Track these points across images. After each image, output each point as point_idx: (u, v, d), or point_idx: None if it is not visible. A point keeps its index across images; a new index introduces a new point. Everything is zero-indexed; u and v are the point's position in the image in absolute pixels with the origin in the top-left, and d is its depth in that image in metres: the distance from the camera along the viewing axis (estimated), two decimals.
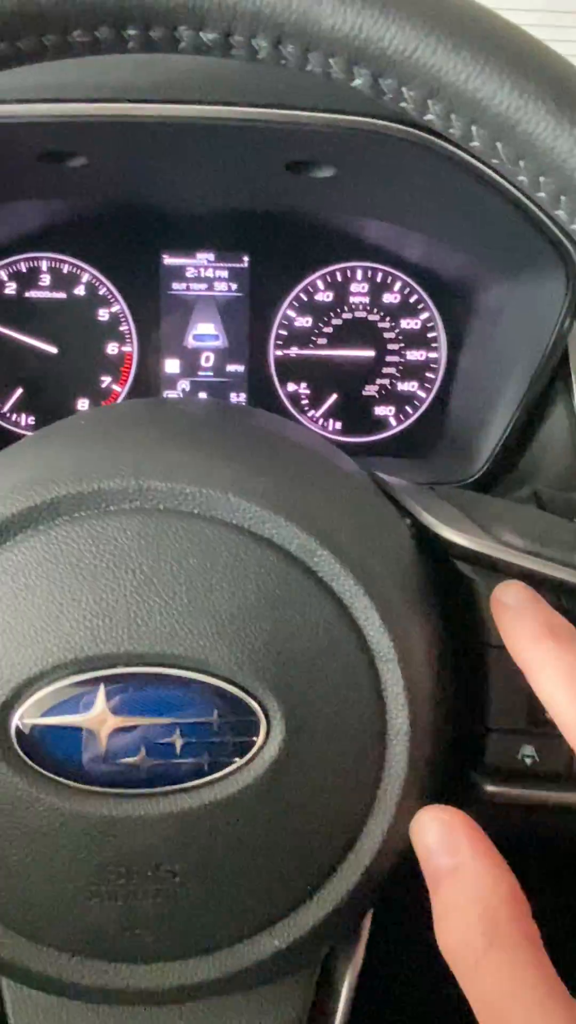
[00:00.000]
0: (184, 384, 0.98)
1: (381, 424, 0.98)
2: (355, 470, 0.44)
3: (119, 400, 0.96)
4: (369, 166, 0.67)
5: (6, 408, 0.96)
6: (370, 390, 0.97)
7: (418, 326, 0.97)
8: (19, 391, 0.95)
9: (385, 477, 0.47)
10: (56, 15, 0.27)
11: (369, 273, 0.95)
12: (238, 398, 0.98)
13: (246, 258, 0.95)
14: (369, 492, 0.41)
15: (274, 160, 0.68)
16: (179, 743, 0.34)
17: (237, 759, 0.34)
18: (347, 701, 0.34)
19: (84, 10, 0.27)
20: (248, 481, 0.33)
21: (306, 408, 0.98)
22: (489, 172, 0.60)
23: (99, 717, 0.33)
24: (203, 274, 0.96)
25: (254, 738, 0.34)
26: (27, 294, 0.94)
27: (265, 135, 0.61)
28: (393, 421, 0.98)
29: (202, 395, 0.98)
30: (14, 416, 0.97)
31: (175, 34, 0.28)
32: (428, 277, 0.94)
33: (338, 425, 0.98)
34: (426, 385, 0.97)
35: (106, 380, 0.97)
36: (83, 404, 0.97)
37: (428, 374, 0.97)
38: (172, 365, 0.98)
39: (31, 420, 0.97)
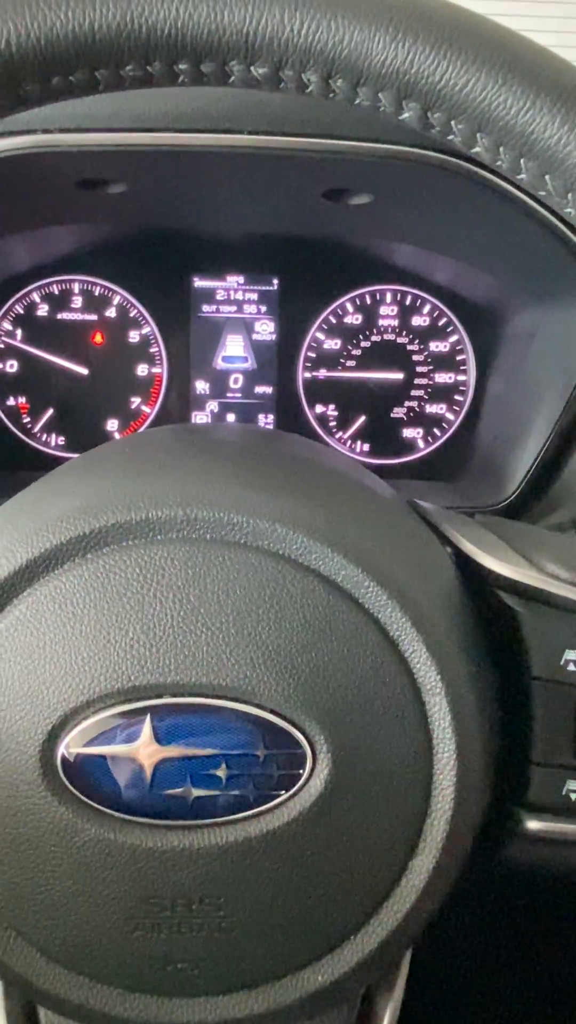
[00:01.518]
0: (213, 405, 0.98)
1: (409, 446, 0.98)
2: (395, 497, 0.44)
3: (149, 421, 0.97)
4: (406, 193, 0.68)
5: (37, 428, 0.97)
6: (398, 412, 0.97)
7: (447, 349, 0.96)
8: (50, 411, 0.96)
9: (424, 504, 0.47)
10: (109, 50, 0.27)
11: (398, 296, 0.96)
12: (266, 419, 0.98)
13: (276, 281, 0.96)
14: (411, 520, 0.41)
15: (313, 188, 0.68)
16: (225, 775, 0.34)
17: (283, 792, 0.34)
18: (394, 734, 0.33)
19: (137, 45, 0.27)
20: (294, 511, 0.33)
21: (334, 430, 0.98)
22: (530, 201, 0.60)
23: (145, 747, 0.33)
24: (233, 296, 0.97)
25: (300, 771, 0.34)
26: (59, 316, 0.95)
27: (306, 164, 0.61)
28: (421, 443, 0.98)
29: (230, 416, 0.98)
30: (45, 436, 0.97)
31: (226, 68, 0.28)
32: (458, 300, 0.94)
33: (366, 447, 0.98)
34: (454, 408, 0.97)
35: (136, 401, 0.97)
36: (113, 425, 0.97)
37: (457, 396, 0.97)
38: (201, 386, 0.98)
39: (62, 440, 0.97)
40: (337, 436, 0.98)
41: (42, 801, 0.34)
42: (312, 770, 0.34)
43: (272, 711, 0.33)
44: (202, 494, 0.33)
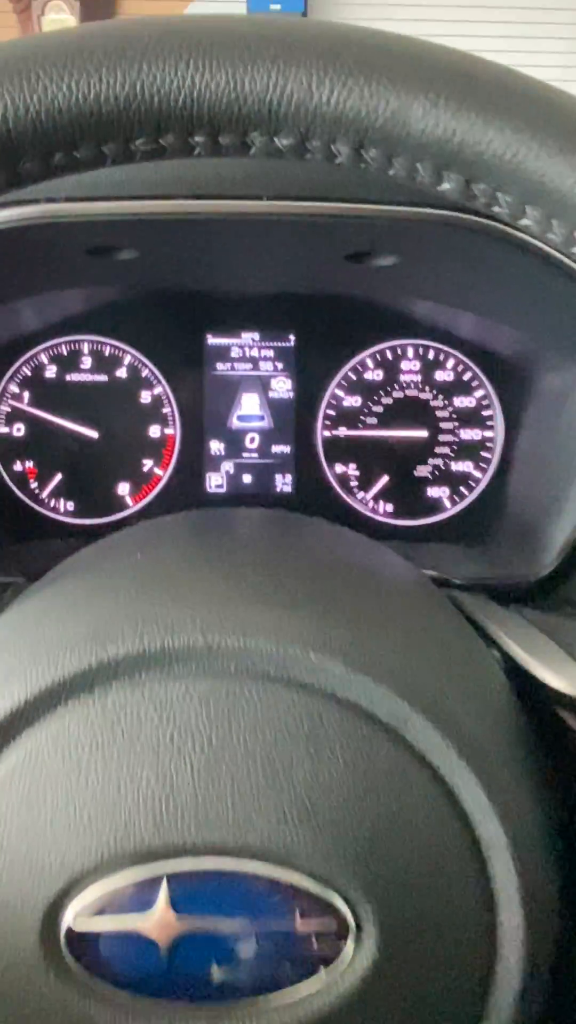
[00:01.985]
0: (228, 466, 0.95)
1: (435, 506, 0.94)
2: (434, 594, 0.40)
3: (161, 484, 0.93)
4: (431, 253, 0.64)
5: (45, 494, 0.93)
6: (423, 471, 0.93)
7: (473, 404, 0.92)
8: (59, 476, 0.92)
9: (463, 596, 0.42)
10: (117, 123, 0.25)
11: (421, 351, 0.92)
12: (284, 480, 0.95)
13: (292, 337, 0.93)
14: (454, 624, 0.37)
15: (336, 251, 0.65)
16: (254, 951, 0.29)
17: (322, 969, 0.29)
18: (451, 897, 0.28)
19: (149, 118, 0.25)
20: (328, 634, 0.30)
21: (355, 490, 0.94)
22: (567, 262, 0.56)
23: (161, 920, 0.28)
24: (248, 354, 0.94)
25: (341, 944, 0.29)
26: (68, 377, 0.92)
27: (329, 229, 0.58)
28: (447, 503, 0.94)
29: (247, 478, 0.95)
30: (53, 502, 0.94)
31: (246, 140, 0.26)
32: (483, 354, 0.90)
33: (389, 507, 0.94)
34: (482, 465, 0.93)
35: (148, 463, 0.93)
36: (124, 489, 0.94)
37: (484, 454, 0.93)
38: (216, 447, 0.95)
39: (71, 506, 0.94)
40: (359, 497, 0.94)
41: (44, 982, 0.29)
42: (356, 944, 0.29)
43: (309, 874, 0.29)
44: (224, 617, 0.30)
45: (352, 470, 0.91)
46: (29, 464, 0.91)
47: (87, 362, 0.90)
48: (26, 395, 0.92)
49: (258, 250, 0.67)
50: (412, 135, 0.25)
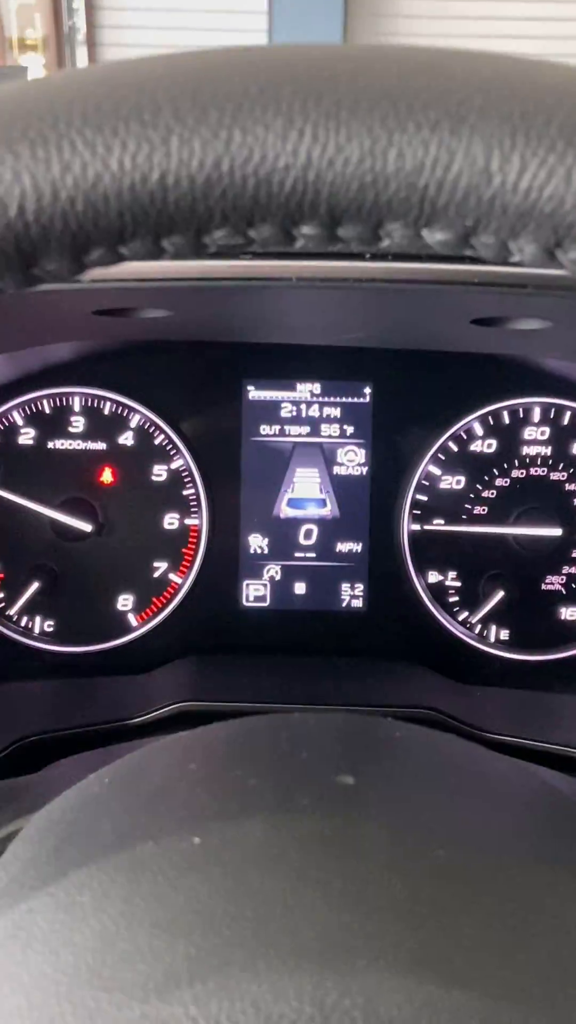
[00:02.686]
0: (273, 570, 0.71)
1: (571, 633, 0.70)
2: None
3: (180, 595, 0.67)
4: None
5: (14, 609, 0.67)
6: (553, 583, 0.70)
7: None
8: (35, 585, 0.66)
9: None
10: (191, 212, 0.20)
11: (552, 413, 0.68)
12: (353, 591, 0.70)
13: (368, 390, 0.69)
14: None
15: (457, 316, 0.53)
16: None
17: None
18: None
19: (239, 206, 0.20)
20: (509, 1021, 0.21)
21: (456, 608, 0.68)
22: None
23: None
24: (305, 413, 0.70)
25: None
26: (50, 444, 0.67)
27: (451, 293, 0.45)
28: None
29: (299, 587, 0.70)
30: (25, 620, 0.67)
31: (379, 232, 0.21)
32: None
33: (504, 634, 0.69)
34: None
35: (160, 566, 0.70)
36: (126, 603, 0.68)
37: None
38: (257, 543, 0.72)
39: (49, 625, 0.68)
40: (461, 618, 0.68)
41: None
42: None
43: None
44: (346, 995, 0.21)
45: (451, 580, 0.70)
46: None
47: (78, 423, 0.68)
48: None
49: (340, 311, 0.54)
50: None
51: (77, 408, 0.67)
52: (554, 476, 0.67)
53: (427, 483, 0.68)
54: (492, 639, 0.68)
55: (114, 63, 0.22)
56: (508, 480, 0.67)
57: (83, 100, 0.20)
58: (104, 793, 0.31)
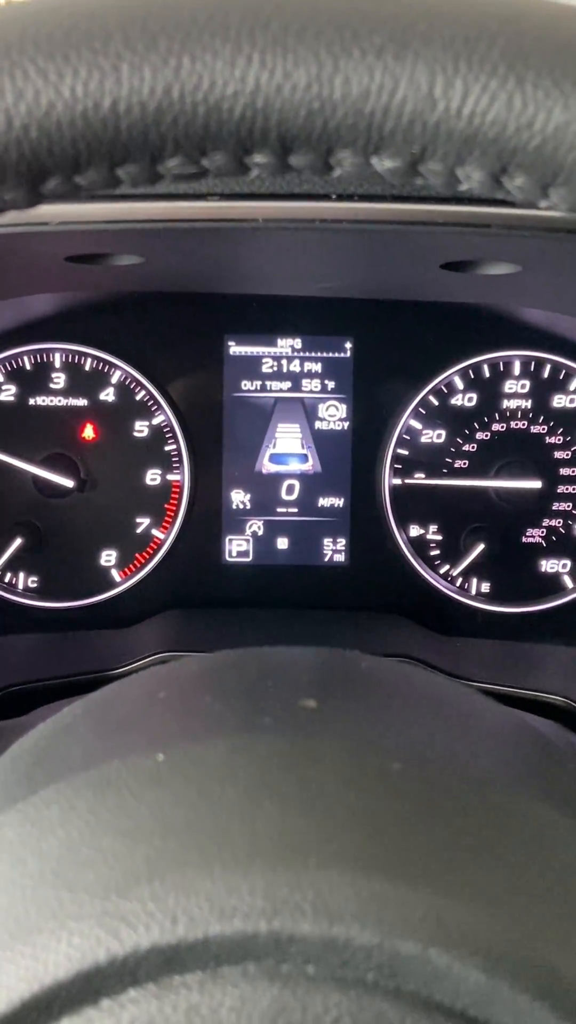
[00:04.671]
0: (256, 525, 0.70)
1: (551, 586, 0.70)
2: None
3: (163, 550, 0.67)
4: (556, 261, 0.50)
5: None
6: (533, 535, 0.70)
7: None
8: (17, 541, 0.66)
9: None
10: (144, 140, 0.21)
11: (532, 366, 0.67)
12: (335, 545, 0.70)
13: (349, 345, 0.68)
14: None
15: (427, 260, 0.51)
16: None
17: None
18: None
19: (190, 133, 0.21)
20: (456, 915, 0.21)
21: (437, 561, 0.68)
22: None
23: None
24: (286, 368, 0.70)
25: None
26: (32, 401, 0.67)
27: (420, 236, 0.44)
28: (569, 580, 0.70)
29: (282, 541, 0.70)
30: (9, 577, 0.67)
31: (329, 160, 0.21)
32: None
33: (485, 587, 0.70)
34: None
35: (143, 522, 0.70)
36: (108, 558, 0.68)
37: None
38: (239, 498, 0.71)
39: (33, 581, 0.69)
40: (443, 571, 0.68)
41: None
42: None
43: None
44: (297, 889, 0.22)
45: (432, 533, 0.70)
46: None
47: (59, 379, 0.68)
48: None
49: (310, 256, 0.53)
50: None
51: (58, 364, 0.67)
52: (534, 429, 0.67)
53: (408, 437, 0.68)
54: (473, 592, 0.69)
55: None
56: (488, 434, 0.67)
57: (35, 29, 0.20)
58: (75, 722, 0.31)
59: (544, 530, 0.68)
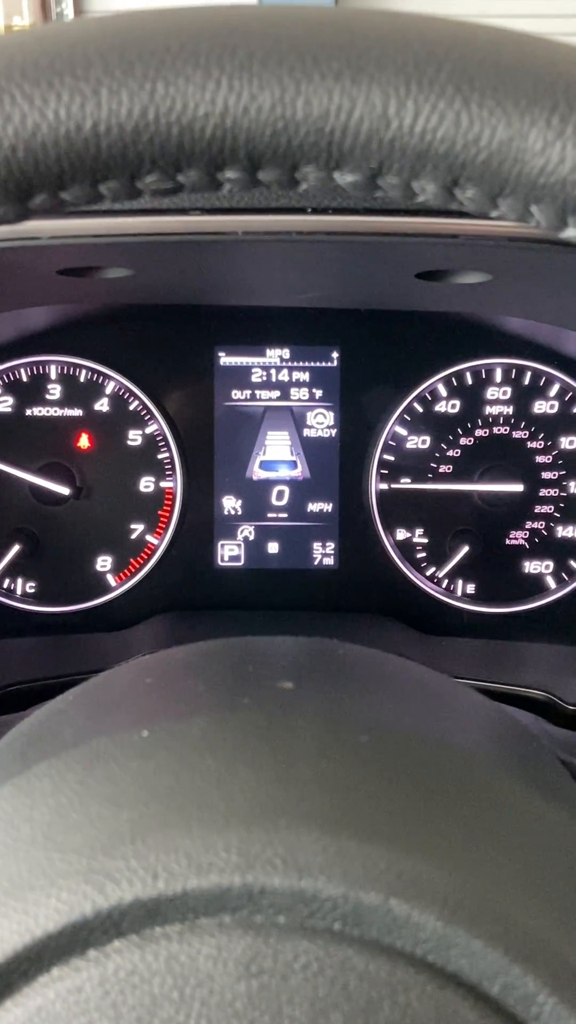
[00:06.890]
0: (247, 530, 0.71)
1: (533, 587, 0.72)
2: (556, 768, 0.32)
3: (156, 556, 0.69)
4: (528, 271, 0.52)
5: None
6: (516, 538, 0.72)
7: None
8: (16, 547, 0.68)
9: None
10: (122, 159, 0.22)
11: (513, 373, 0.69)
12: (324, 549, 0.71)
13: (335, 354, 0.70)
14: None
15: (402, 270, 0.53)
16: None
17: None
18: None
19: (165, 152, 0.22)
20: (415, 869, 0.23)
21: (423, 563, 0.70)
22: None
23: None
24: (275, 377, 0.72)
25: None
26: (28, 411, 0.69)
27: (395, 246, 0.46)
28: (551, 581, 0.72)
29: (272, 546, 0.71)
30: (8, 582, 0.69)
31: (295, 175, 0.23)
32: None
33: (470, 588, 0.71)
34: None
35: (137, 528, 0.71)
36: (104, 563, 0.70)
37: None
38: (231, 504, 0.73)
39: (31, 587, 0.70)
40: (429, 573, 0.70)
41: None
42: None
43: None
44: (269, 846, 0.23)
45: (419, 537, 0.72)
46: None
47: (54, 391, 0.70)
48: None
49: (291, 268, 0.55)
50: (528, 173, 0.22)
51: (54, 376, 0.69)
52: (516, 434, 0.69)
53: (394, 443, 0.69)
54: (459, 593, 0.70)
55: (51, 24, 0.24)
56: (472, 439, 0.69)
57: (22, 57, 0.22)
58: (67, 707, 0.33)
59: (527, 532, 0.69)
